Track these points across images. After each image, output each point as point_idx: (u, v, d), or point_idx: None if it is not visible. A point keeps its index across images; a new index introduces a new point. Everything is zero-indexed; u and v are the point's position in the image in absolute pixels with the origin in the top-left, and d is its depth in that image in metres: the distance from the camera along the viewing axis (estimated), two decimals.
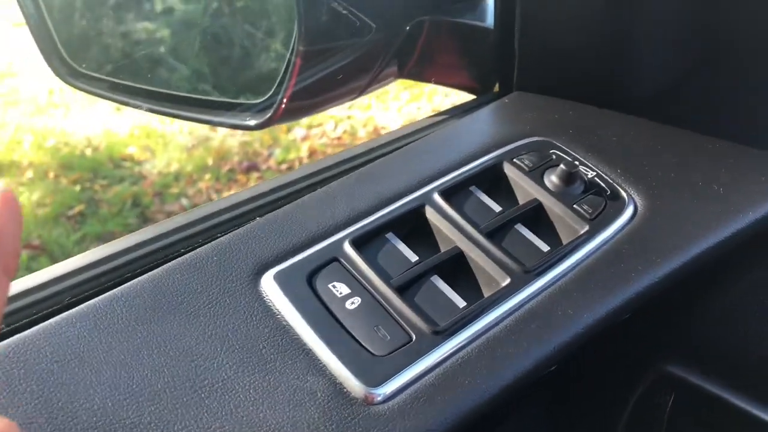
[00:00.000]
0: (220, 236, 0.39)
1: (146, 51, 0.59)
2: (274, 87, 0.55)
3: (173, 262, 0.37)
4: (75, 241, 2.07)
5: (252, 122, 0.56)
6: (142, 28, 0.59)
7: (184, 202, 2.29)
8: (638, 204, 0.42)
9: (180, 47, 0.59)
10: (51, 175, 2.31)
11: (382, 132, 2.54)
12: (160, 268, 0.36)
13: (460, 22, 0.57)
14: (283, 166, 2.52)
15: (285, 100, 0.55)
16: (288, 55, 0.54)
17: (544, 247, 0.39)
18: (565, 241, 0.40)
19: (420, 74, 0.62)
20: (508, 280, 0.37)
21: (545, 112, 0.48)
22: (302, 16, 0.52)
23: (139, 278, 0.36)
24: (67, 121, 2.41)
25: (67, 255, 2.03)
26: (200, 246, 0.38)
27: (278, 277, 0.36)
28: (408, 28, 0.58)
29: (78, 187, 2.26)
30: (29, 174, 2.31)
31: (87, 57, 0.62)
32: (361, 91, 0.61)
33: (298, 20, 0.52)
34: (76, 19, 0.62)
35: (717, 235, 0.40)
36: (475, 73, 0.57)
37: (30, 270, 1.78)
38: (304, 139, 2.58)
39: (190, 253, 0.37)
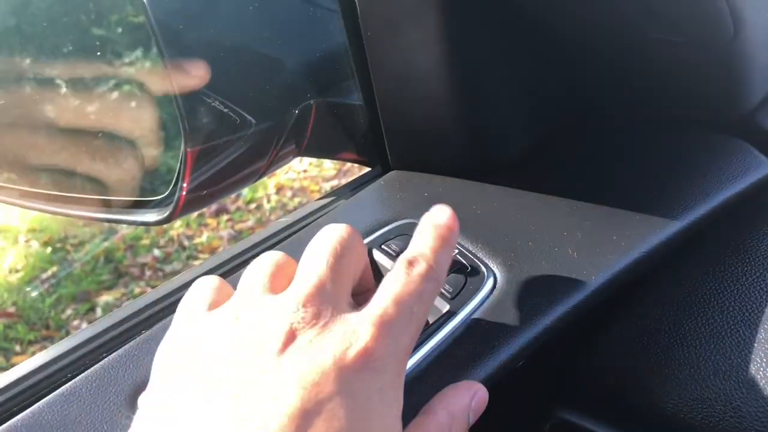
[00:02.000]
0: (105, 356, 0.42)
1: (42, 157, 0.62)
2: (171, 185, 0.58)
3: (56, 392, 0.39)
4: (51, 304, 2.08)
5: (153, 219, 0.59)
6: (34, 136, 0.61)
7: (157, 252, 2.31)
8: (498, 277, 0.45)
9: (78, 150, 0.61)
10: (21, 239, 2.32)
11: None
12: (43, 400, 0.39)
13: (344, 102, 0.60)
14: (252, 206, 2.54)
15: (183, 195, 0.58)
16: (180, 155, 0.57)
17: None
18: (427, 324, 0.43)
19: (316, 152, 0.65)
20: None
21: (416, 190, 0.51)
22: (185, 120, 0.55)
23: (20, 415, 0.38)
24: None
25: (43, 320, 2.03)
26: (86, 369, 0.41)
27: None
28: (297, 111, 0.61)
29: (49, 249, 2.27)
30: None
31: None
32: (262, 173, 0.64)
33: (182, 124, 0.55)
34: None
35: (570, 302, 0.43)
36: (363, 151, 0.60)
37: (8, 339, 1.77)
38: (270, 176, 2.59)
39: (72, 381, 0.40)
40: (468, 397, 0.36)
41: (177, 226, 2.37)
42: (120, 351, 0.41)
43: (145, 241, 2.30)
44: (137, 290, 2.08)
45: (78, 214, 0.60)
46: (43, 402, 0.39)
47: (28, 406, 0.38)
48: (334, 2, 0.61)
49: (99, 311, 2.02)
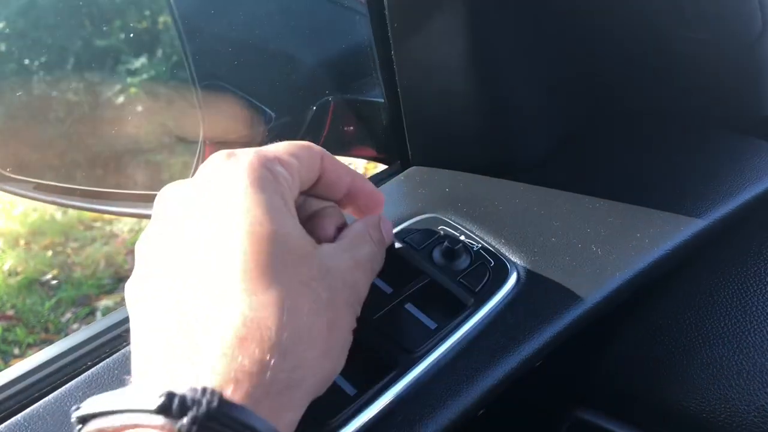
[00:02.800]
0: (125, 345, 0.41)
1: (67, 150, 0.62)
2: (190, 177, 0.58)
3: (78, 378, 0.39)
4: (50, 307, 2.06)
5: None
6: (60, 128, 0.61)
7: None
8: (521, 272, 0.44)
9: (98, 144, 0.61)
10: (21, 242, 2.30)
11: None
12: (64, 386, 0.38)
13: (363, 99, 0.60)
14: None
15: None
16: (198, 147, 0.57)
17: (432, 325, 0.42)
18: (452, 316, 0.42)
19: (333, 149, 0.64)
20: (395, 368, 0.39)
21: (437, 186, 0.51)
22: (204, 112, 0.55)
23: (42, 401, 0.37)
24: None
25: (43, 323, 2.02)
26: (108, 356, 0.40)
27: None
28: (314, 107, 0.61)
29: (50, 253, 2.25)
30: None
31: (9, 159, 0.64)
32: None
33: (201, 117, 0.55)
34: None
35: (593, 298, 0.43)
36: (381, 147, 0.60)
37: (6, 342, 1.76)
38: None
39: (95, 368, 0.39)
40: (377, 216, 0.41)
41: None
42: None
43: None
44: None
45: (97, 208, 0.60)
46: (64, 388, 0.38)
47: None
48: (354, 1, 0.61)
49: (99, 315, 2.01)
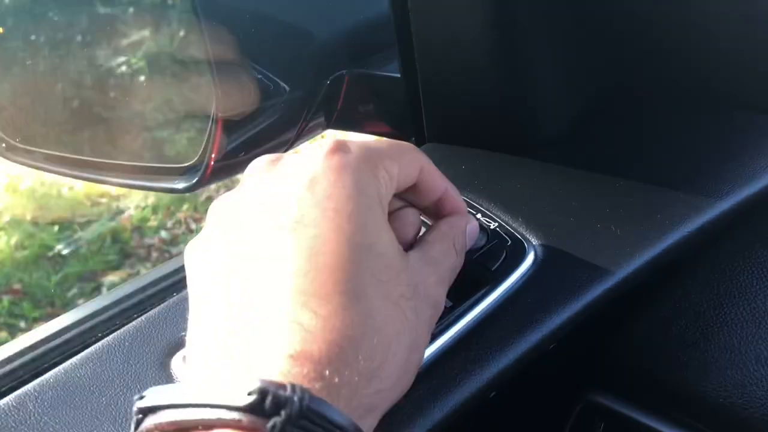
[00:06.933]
0: (136, 317, 0.41)
1: (74, 123, 0.61)
2: (200, 151, 0.57)
3: (88, 350, 0.38)
4: (56, 283, 2.07)
5: (181, 185, 0.58)
6: (69, 99, 0.60)
7: (164, 234, 2.30)
8: (538, 251, 0.44)
9: (107, 116, 0.61)
10: (28, 217, 2.31)
11: None
12: (75, 357, 0.38)
13: (378, 74, 0.59)
14: None
15: (211, 163, 0.57)
16: (209, 121, 0.56)
17: (448, 303, 0.41)
18: (469, 295, 0.42)
19: (347, 125, 0.64)
20: None
21: (454, 164, 0.50)
22: (216, 84, 0.54)
23: (53, 371, 0.37)
24: None
25: (49, 297, 2.02)
26: (118, 329, 0.40)
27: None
28: (328, 82, 0.60)
29: (56, 228, 2.26)
30: (6, 218, 2.31)
31: (19, 129, 0.63)
32: (290, 144, 0.63)
33: (214, 89, 0.54)
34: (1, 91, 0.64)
35: (613, 278, 0.42)
36: (397, 124, 0.59)
37: (13, 315, 1.76)
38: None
39: (104, 340, 0.39)
40: (464, 221, 0.40)
41: (184, 209, 2.35)
42: (153, 312, 0.40)
43: (153, 223, 2.29)
44: (143, 271, 2.07)
45: (104, 179, 0.59)
46: (75, 359, 0.38)
47: (59, 363, 0.37)
48: None
49: (105, 291, 2.01)
